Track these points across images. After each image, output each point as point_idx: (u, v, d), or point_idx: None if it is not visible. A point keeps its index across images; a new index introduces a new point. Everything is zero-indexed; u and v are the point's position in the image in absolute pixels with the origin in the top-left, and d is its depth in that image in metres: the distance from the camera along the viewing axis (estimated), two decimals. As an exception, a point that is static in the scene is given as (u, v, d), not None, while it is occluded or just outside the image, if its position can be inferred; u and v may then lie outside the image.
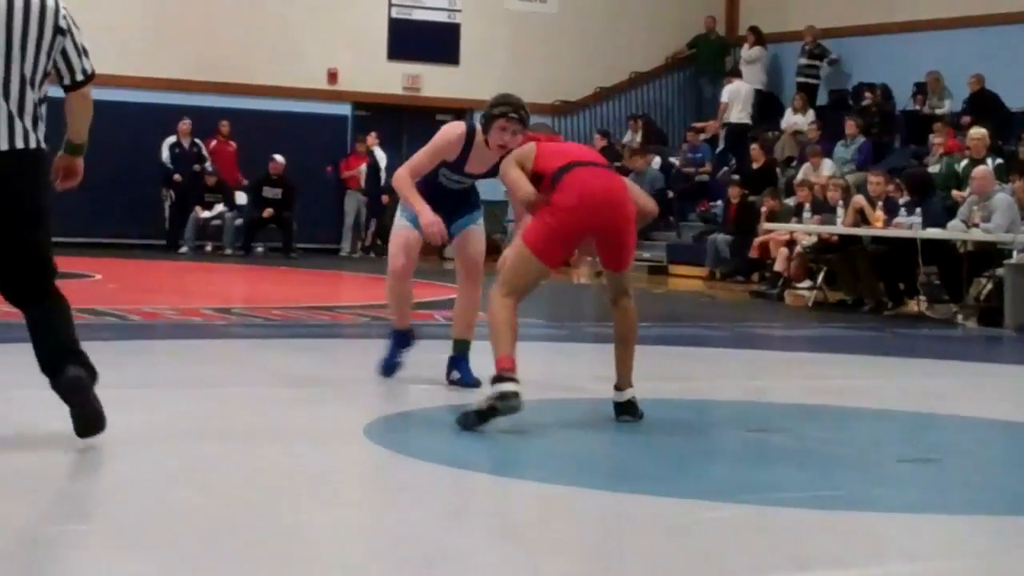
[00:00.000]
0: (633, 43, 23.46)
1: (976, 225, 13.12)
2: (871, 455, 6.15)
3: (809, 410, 7.37)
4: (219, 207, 20.65)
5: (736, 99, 21.51)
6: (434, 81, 22.51)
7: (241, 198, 20.88)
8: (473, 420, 5.87)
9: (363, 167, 21.42)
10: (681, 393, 7.79)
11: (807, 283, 15.06)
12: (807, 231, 15.27)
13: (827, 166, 17.91)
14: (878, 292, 13.87)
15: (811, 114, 20.34)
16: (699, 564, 4.13)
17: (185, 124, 20.52)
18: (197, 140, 20.69)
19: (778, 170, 19.32)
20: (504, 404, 5.84)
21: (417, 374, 7.49)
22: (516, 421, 5.91)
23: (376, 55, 22.35)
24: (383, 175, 21.05)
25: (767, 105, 21.98)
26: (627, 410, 6.39)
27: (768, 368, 9.81)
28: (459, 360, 7.28)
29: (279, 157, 20.53)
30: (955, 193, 14.92)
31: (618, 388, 6.44)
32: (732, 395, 7.90)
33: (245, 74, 21.19)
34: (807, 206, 15.92)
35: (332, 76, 22.02)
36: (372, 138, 21.53)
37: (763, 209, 17.05)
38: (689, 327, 11.95)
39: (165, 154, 20.58)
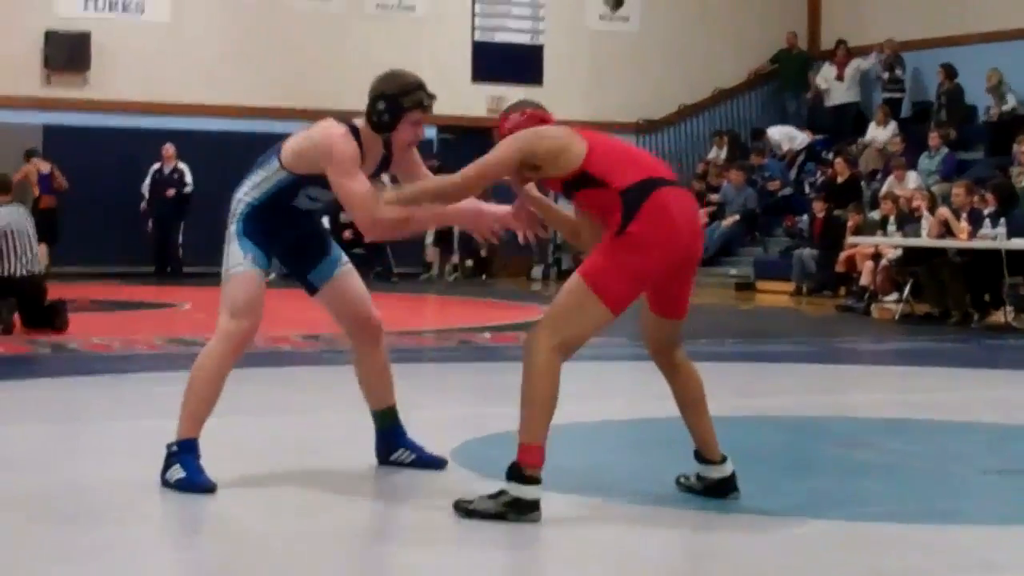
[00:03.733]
0: (716, 59, 23.51)
1: (1062, 234, 13.09)
2: (955, 468, 6.19)
3: (895, 424, 7.42)
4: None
5: (788, 141, 21.65)
6: (518, 102, 22.67)
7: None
8: (476, 518, 4.78)
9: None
10: (767, 410, 7.86)
11: (893, 296, 15.05)
12: (892, 244, 15.25)
13: (911, 178, 17.87)
14: (964, 304, 13.84)
15: (893, 126, 20.29)
16: (782, 578, 4.22)
17: (168, 149, 20.00)
18: (181, 164, 20.12)
19: (863, 183, 19.29)
20: (517, 516, 4.73)
21: (499, 397, 7.59)
22: (606, 441, 5.92)
23: (460, 78, 22.55)
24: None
25: (851, 118, 21.94)
26: (733, 485, 5.19)
27: (855, 382, 9.86)
28: (397, 434, 5.74)
29: (365, 181, 20.77)
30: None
31: (710, 461, 5.19)
32: (818, 411, 7.95)
33: (331, 100, 21.45)
34: (892, 219, 15.91)
35: (416, 100, 22.24)
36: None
37: (848, 223, 17.04)
38: (776, 343, 11.99)
39: (147, 182, 20.09)
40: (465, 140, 22.45)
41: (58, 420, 7.24)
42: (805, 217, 19.52)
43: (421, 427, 6.77)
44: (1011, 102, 19.27)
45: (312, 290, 5.57)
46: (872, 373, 10.58)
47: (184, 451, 5.23)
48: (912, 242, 14.73)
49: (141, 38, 20.53)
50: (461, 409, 7.38)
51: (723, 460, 5.16)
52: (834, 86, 22.18)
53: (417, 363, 10.03)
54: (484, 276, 21.62)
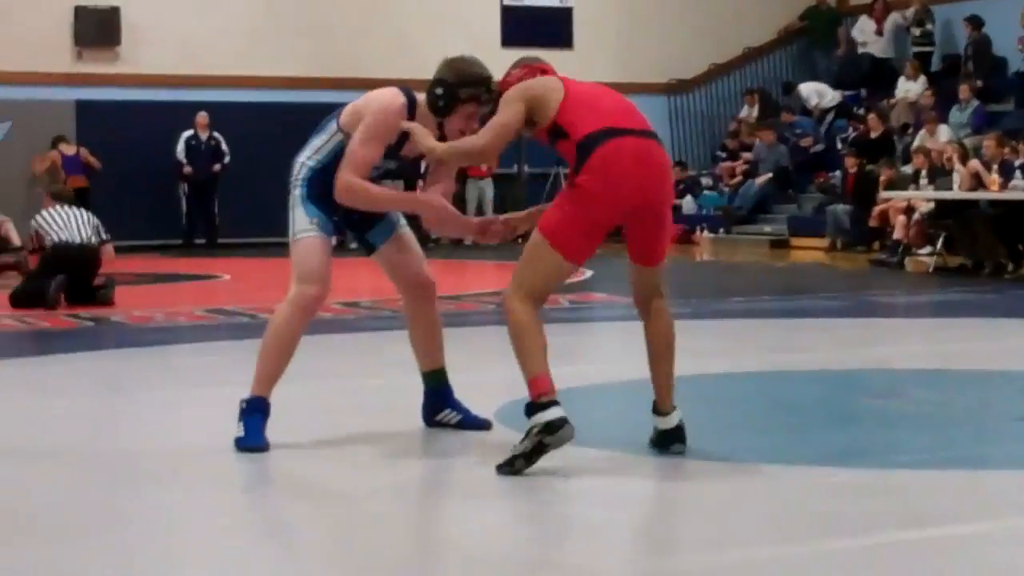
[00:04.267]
0: (745, 18, 23.47)
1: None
2: (988, 416, 6.28)
3: (929, 375, 7.51)
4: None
5: (818, 96, 21.61)
6: (548, 66, 22.70)
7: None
8: (520, 464, 4.90)
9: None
10: (802, 364, 7.95)
11: (927, 249, 15.08)
12: (924, 198, 15.28)
13: (943, 132, 17.85)
14: (997, 254, 13.88)
15: (923, 81, 20.25)
16: (818, 525, 4.33)
17: (202, 117, 20.02)
18: (216, 134, 20.12)
19: (895, 138, 19.28)
20: (553, 438, 4.87)
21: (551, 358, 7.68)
22: (637, 401, 5.98)
23: (490, 43, 22.55)
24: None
25: (883, 73, 21.89)
26: (676, 437, 5.26)
27: (889, 335, 9.93)
28: (444, 394, 5.86)
29: (400, 145, 20.82)
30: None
31: (660, 412, 5.27)
32: (853, 364, 8.03)
33: (360, 68, 21.52)
34: (924, 173, 15.92)
35: (447, 66, 22.30)
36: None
37: (881, 178, 17.06)
38: (810, 298, 12.06)
39: (180, 148, 20.09)
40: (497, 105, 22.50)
41: (104, 392, 7.40)
42: (838, 173, 19.52)
43: (462, 390, 6.88)
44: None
45: (371, 249, 5.66)
46: (906, 326, 10.64)
47: (252, 409, 5.39)
48: (944, 195, 14.76)
49: (171, 11, 20.61)
50: (502, 371, 7.46)
51: (670, 412, 5.26)
52: (872, 40, 22.11)
53: (457, 327, 10.14)
54: (520, 240, 21.68)
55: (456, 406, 5.83)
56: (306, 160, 5.51)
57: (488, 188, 21.63)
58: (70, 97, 20.02)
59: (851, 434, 5.89)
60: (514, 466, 4.90)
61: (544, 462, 4.92)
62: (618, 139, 4.96)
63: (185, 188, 20.20)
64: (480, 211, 21.70)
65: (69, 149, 19.34)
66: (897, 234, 15.55)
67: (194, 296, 12.96)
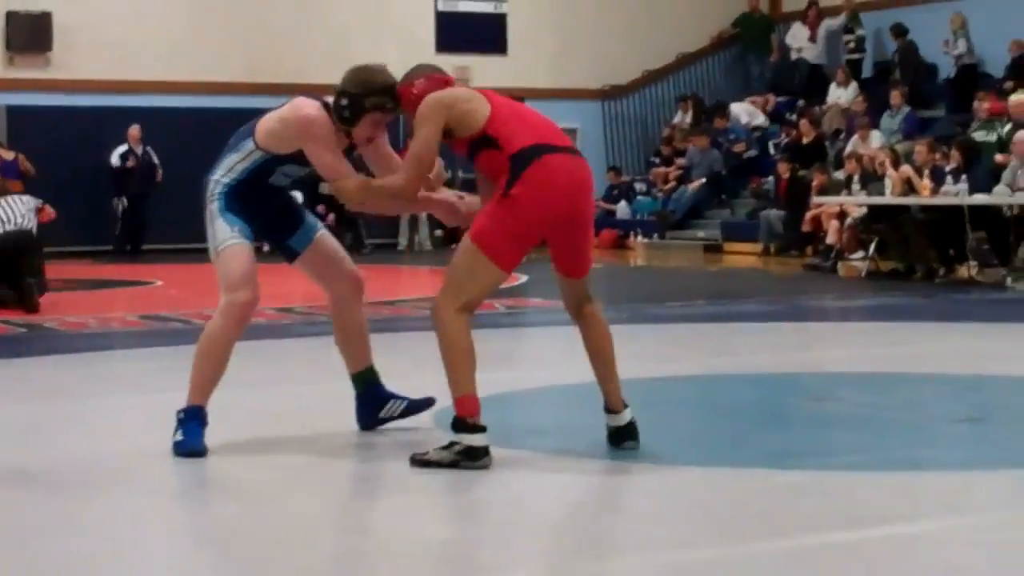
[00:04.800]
0: (678, 24, 23.60)
1: (1021, 189, 13.27)
2: (923, 418, 6.35)
3: (864, 378, 7.58)
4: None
5: (748, 115, 21.80)
6: (483, 71, 22.70)
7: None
8: (431, 465, 5.07)
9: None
10: (737, 368, 8.00)
11: (859, 254, 15.22)
12: (857, 203, 15.42)
13: (875, 137, 18.02)
14: (929, 259, 14.02)
15: (854, 87, 20.44)
16: (756, 526, 4.36)
17: (135, 130, 19.95)
18: (148, 148, 20.06)
19: (827, 144, 19.45)
20: (471, 464, 5.01)
21: (485, 362, 7.67)
22: (576, 404, 6.04)
23: (424, 48, 22.54)
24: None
25: (817, 79, 22.08)
26: (629, 434, 5.36)
27: (824, 339, 10.03)
28: (380, 390, 5.87)
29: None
30: (999, 157, 15.02)
31: (612, 411, 5.37)
32: (789, 367, 8.09)
33: (298, 74, 21.45)
34: (856, 178, 16.06)
35: (381, 72, 22.28)
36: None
37: (813, 183, 17.20)
38: (745, 303, 12.14)
39: (116, 162, 20.05)
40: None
41: (37, 399, 7.31)
42: (771, 178, 19.68)
43: (402, 394, 6.90)
44: (969, 50, 19.43)
45: (293, 256, 5.70)
46: (840, 329, 10.75)
47: (190, 417, 5.41)
48: (876, 200, 14.90)
49: (103, 17, 20.48)
50: (440, 376, 7.48)
51: (621, 410, 5.36)
52: (806, 46, 22.29)
53: (394, 333, 10.13)
54: (454, 246, 21.67)
55: (396, 396, 5.86)
56: (220, 178, 5.53)
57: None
58: (1, 103, 19.84)
59: (788, 436, 5.94)
60: (427, 467, 5.04)
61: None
62: (551, 155, 5.11)
63: (124, 201, 20.07)
64: (413, 216, 21.69)
65: (7, 154, 19.17)
66: (830, 239, 15.68)
67: (127, 302, 12.88)
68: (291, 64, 21.41)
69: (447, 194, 5.60)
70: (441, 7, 22.79)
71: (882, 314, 11.32)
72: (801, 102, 21.36)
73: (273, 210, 5.63)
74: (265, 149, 5.48)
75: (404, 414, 5.83)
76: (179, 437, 5.39)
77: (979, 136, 16.10)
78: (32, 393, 7.47)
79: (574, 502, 4.90)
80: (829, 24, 22.02)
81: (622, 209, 21.82)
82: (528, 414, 6.65)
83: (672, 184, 21.38)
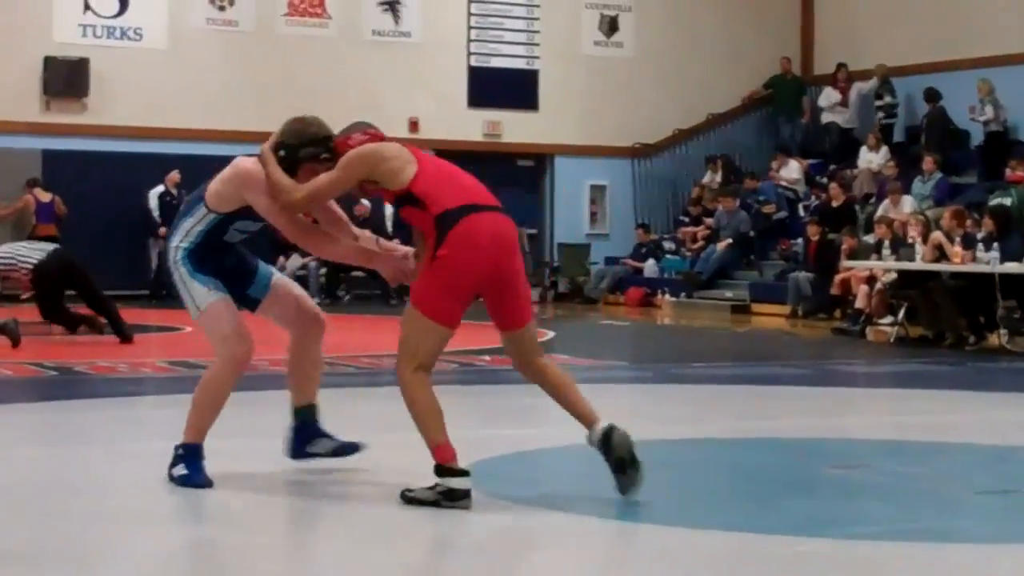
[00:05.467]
0: (710, 85, 23.66)
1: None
2: (951, 488, 6.30)
3: (891, 446, 7.54)
4: (304, 258, 20.97)
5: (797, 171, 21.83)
6: (514, 127, 22.83)
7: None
8: (415, 503, 5.42)
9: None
10: (764, 432, 7.96)
11: (888, 319, 15.17)
12: (887, 268, 15.39)
13: (907, 202, 18.00)
14: (959, 327, 13.96)
15: (885, 151, 20.44)
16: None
17: (174, 175, 20.06)
18: (184, 192, 19.59)
19: (857, 207, 19.44)
20: (451, 504, 5.36)
21: (502, 419, 7.67)
22: (600, 462, 5.99)
23: (456, 103, 22.70)
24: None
25: (848, 143, 22.10)
26: (613, 439, 5.55)
27: (851, 405, 9.97)
28: (315, 428, 6.13)
29: (365, 201, 20.81)
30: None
31: (591, 425, 5.60)
32: (815, 432, 8.05)
33: (329, 125, 21.57)
34: (886, 243, 16.03)
35: (413, 125, 22.38)
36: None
37: (843, 247, 17.18)
38: (772, 366, 12.10)
39: (153, 204, 20.18)
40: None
41: (65, 442, 7.33)
42: (800, 240, 19.66)
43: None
44: (1001, 117, 19.48)
45: (254, 305, 6.01)
46: (868, 395, 10.69)
47: (190, 453, 5.77)
48: (907, 266, 14.86)
49: (139, 64, 20.65)
50: (464, 432, 7.44)
51: (596, 423, 5.58)
52: (837, 110, 22.34)
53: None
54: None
55: (327, 435, 6.09)
56: (179, 244, 5.86)
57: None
58: (36, 146, 19.99)
59: (813, 503, 5.91)
60: (412, 504, 5.38)
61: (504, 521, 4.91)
62: (475, 215, 5.40)
63: (161, 244, 20.10)
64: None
65: (44, 196, 19.33)
66: (859, 303, 15.63)
67: (157, 348, 12.91)
68: (323, 115, 21.39)
69: (394, 251, 5.83)
70: (473, 63, 22.90)
71: (911, 381, 11.25)
72: (832, 165, 21.37)
73: (229, 266, 5.92)
74: (215, 210, 5.81)
75: (332, 454, 6.06)
76: (183, 471, 5.72)
77: (993, 199, 16.03)
78: (58, 437, 7.48)
79: (597, 567, 4.86)
80: (860, 88, 22.06)
81: (650, 267, 21.80)
82: (548, 472, 6.62)
83: (700, 244, 21.38)
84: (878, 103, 21.57)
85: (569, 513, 5.40)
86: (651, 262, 21.86)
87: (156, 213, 20.15)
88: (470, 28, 22.87)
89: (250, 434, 6.90)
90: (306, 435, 6.08)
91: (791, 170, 21.69)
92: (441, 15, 22.65)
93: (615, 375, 10.79)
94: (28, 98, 20.18)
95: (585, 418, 5.58)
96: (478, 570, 4.69)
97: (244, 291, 5.96)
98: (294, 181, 5.64)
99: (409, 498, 5.41)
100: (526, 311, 5.59)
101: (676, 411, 8.69)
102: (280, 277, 6.10)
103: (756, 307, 19.43)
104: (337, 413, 8.31)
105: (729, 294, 20.19)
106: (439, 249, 5.35)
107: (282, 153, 5.68)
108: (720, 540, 5.06)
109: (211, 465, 5.77)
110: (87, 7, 20.69)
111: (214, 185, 5.85)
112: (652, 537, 5.14)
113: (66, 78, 20.24)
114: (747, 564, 4.74)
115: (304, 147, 5.68)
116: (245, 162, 5.79)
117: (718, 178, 22.56)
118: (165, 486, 5.74)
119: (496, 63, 23.00)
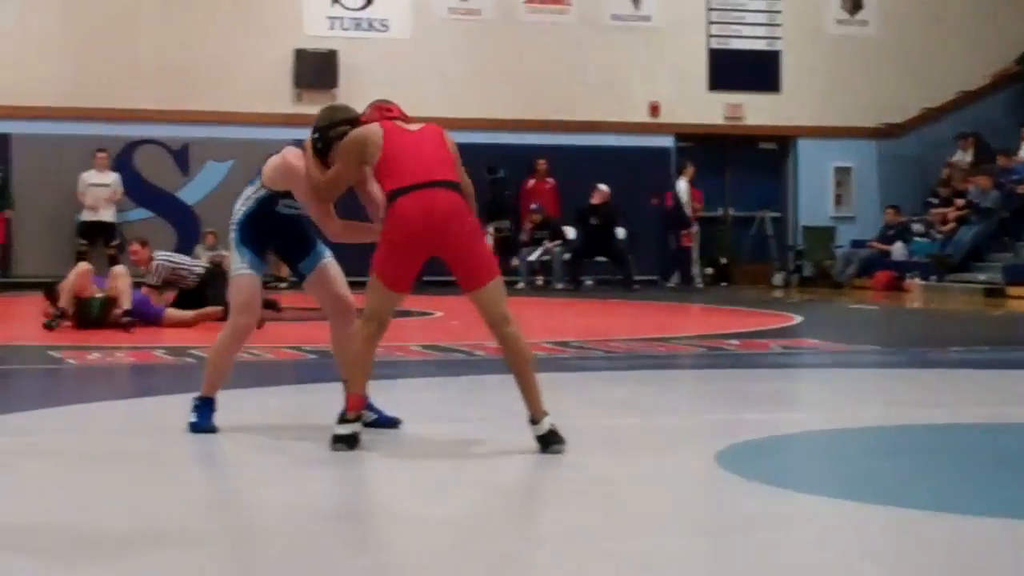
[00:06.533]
0: (956, 62, 23.12)
1: None
2: None
3: None
4: (547, 243, 21.16)
5: None
6: (755, 109, 22.64)
7: (569, 232, 21.32)
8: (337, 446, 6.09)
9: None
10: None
11: None
12: None
13: None
14: None
15: None
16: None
17: None
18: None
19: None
20: (335, 447, 6.05)
21: (753, 403, 7.62)
22: (857, 446, 5.90)
23: (697, 86, 22.62)
24: (685, 209, 21.32)
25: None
26: (552, 439, 6.03)
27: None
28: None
29: (603, 186, 20.90)
30: None
31: (533, 421, 6.06)
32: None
33: (570, 111, 21.73)
34: None
35: (653, 109, 22.38)
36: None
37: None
38: (1029, 349, 11.78)
39: None
40: (703, 148, 22.49)
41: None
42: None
43: (679, 432, 6.92)
44: None
45: (301, 278, 6.75)
46: None
47: (203, 404, 6.64)
48: None
49: (385, 55, 21.09)
50: (716, 415, 7.47)
51: (540, 420, 6.04)
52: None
53: (669, 369, 10.16)
54: (725, 283, 21.62)
55: (371, 407, 6.58)
56: (239, 207, 6.65)
57: (695, 230, 21.57)
58: (289, 137, 20.45)
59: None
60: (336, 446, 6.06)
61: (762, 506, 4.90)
62: (411, 192, 6.06)
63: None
64: (681, 257, 21.66)
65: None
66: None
67: (412, 332, 13.16)
68: (564, 101, 21.71)
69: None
70: (714, 45, 22.77)
71: None
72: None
73: (286, 235, 6.68)
74: (267, 186, 6.57)
75: (372, 425, 6.50)
76: (193, 419, 6.59)
77: None
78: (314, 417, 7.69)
79: (844, 549, 4.82)
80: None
81: (898, 250, 21.40)
82: (802, 456, 6.57)
83: (951, 225, 20.89)
84: None
85: (826, 497, 5.35)
86: (899, 244, 21.46)
87: None
88: (710, 10, 22.76)
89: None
90: None
91: None
92: (681, -2, 22.60)
93: (867, 359, 10.64)
94: (280, 91, 20.79)
95: (533, 410, 6.06)
96: (736, 553, 4.69)
97: (296, 263, 6.71)
98: (319, 173, 6.33)
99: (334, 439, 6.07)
100: (482, 272, 6.11)
101: (933, 396, 8.52)
102: (330, 261, 6.72)
103: (1011, 290, 18.91)
104: (585, 396, 8.40)
105: (982, 277, 19.69)
106: (385, 223, 6.15)
107: (316, 136, 6.37)
108: (985, 527, 4.96)
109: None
110: (335, 0, 21.21)
111: (268, 165, 6.57)
112: (918, 523, 5.05)
113: (316, 70, 20.78)
114: (1007, 550, 4.63)
115: (333, 128, 6.34)
116: (289, 155, 6.45)
117: (968, 157, 22.02)
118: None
119: (736, 45, 22.86)
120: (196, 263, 14.00)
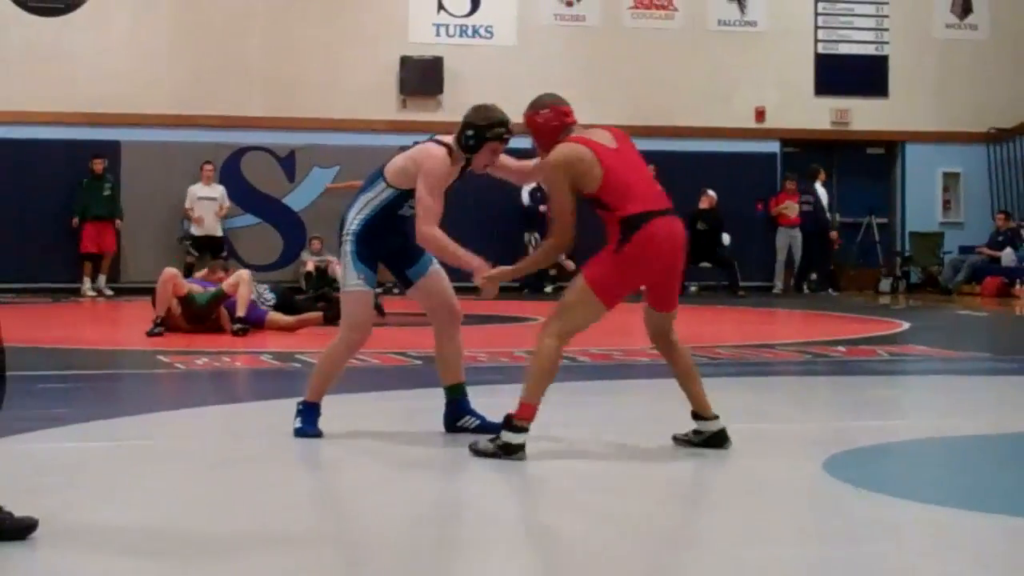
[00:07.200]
0: (1070, 65, 22.73)
1: None
2: None
3: None
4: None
5: None
6: (863, 114, 22.41)
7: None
8: (480, 455, 6.10)
9: (790, 203, 21.33)
10: None
11: None
12: None
13: None
14: None
15: None
16: None
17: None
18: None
19: None
20: (506, 456, 6.01)
21: (862, 410, 7.53)
22: (968, 454, 5.83)
23: (803, 90, 22.43)
24: (827, 213, 21.19)
25: None
26: (723, 438, 6.32)
27: None
28: (464, 404, 6.84)
29: (711, 192, 20.80)
30: None
31: (704, 418, 6.34)
32: None
33: (676, 116, 21.64)
34: None
35: (759, 114, 22.22)
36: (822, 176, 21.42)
37: None
38: None
39: (526, 199, 20.19)
40: (809, 153, 22.30)
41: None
42: None
43: (787, 440, 6.87)
44: None
45: (408, 284, 6.76)
46: None
47: (307, 409, 6.70)
48: None
49: (490, 61, 21.13)
50: (826, 423, 7.41)
51: (715, 417, 6.30)
52: None
53: (774, 376, 10.07)
54: (831, 290, 21.44)
55: (474, 413, 6.75)
56: (356, 215, 6.59)
57: (798, 236, 21.37)
58: (394, 144, 20.60)
59: None
60: (477, 456, 6.07)
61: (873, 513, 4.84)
62: (655, 220, 6.11)
63: (536, 237, 19.92)
64: (790, 257, 21.50)
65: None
66: None
67: (510, 338, 13.18)
68: (670, 106, 21.62)
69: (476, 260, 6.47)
70: (820, 50, 22.58)
71: None
72: None
73: (399, 242, 6.65)
74: (394, 185, 6.53)
75: (477, 430, 6.59)
76: (298, 424, 6.65)
77: None
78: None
79: (954, 558, 4.76)
80: None
81: (1007, 256, 21.08)
82: (911, 465, 6.50)
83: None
84: None
85: (936, 505, 5.29)
86: (1009, 251, 21.14)
87: (527, 203, 20.39)
88: (817, 15, 22.57)
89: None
90: (456, 411, 6.78)
91: None
92: (787, 3, 22.44)
93: (977, 366, 10.49)
94: (385, 98, 20.91)
95: (704, 409, 6.30)
96: (848, 562, 4.64)
97: (404, 270, 6.72)
98: (541, 247, 6.49)
99: (475, 450, 6.09)
100: (675, 298, 6.31)
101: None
102: (438, 267, 6.73)
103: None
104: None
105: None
106: (623, 246, 6.06)
107: (470, 132, 6.45)
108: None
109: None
110: (440, 7, 21.32)
111: (398, 161, 6.55)
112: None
113: (421, 77, 20.88)
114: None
115: (491, 128, 6.44)
116: (436, 150, 6.48)
117: (1082, 162, 21.65)
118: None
119: (844, 49, 22.63)
120: (264, 295, 13.65)
